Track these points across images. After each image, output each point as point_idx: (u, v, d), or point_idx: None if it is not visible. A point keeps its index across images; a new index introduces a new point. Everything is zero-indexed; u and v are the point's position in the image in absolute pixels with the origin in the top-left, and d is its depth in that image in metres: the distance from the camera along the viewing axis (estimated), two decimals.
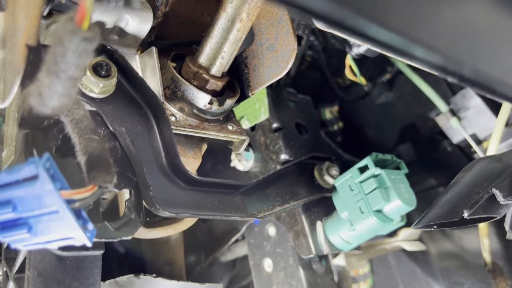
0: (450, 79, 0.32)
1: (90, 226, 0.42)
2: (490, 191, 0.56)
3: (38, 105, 0.37)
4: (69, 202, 0.40)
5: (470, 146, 0.90)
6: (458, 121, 0.91)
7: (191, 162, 0.67)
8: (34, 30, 0.41)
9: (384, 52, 0.35)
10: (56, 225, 0.41)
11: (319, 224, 0.78)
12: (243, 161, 0.87)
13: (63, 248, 0.54)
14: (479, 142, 0.92)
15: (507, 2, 0.29)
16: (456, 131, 0.91)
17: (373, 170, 0.70)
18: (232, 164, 0.88)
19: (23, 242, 0.42)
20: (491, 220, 0.60)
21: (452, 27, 0.28)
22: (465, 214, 0.55)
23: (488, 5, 0.29)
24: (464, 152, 0.97)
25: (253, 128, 0.88)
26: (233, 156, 0.87)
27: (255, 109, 0.87)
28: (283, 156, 0.82)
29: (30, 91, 0.37)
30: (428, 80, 0.92)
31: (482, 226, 0.79)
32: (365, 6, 0.24)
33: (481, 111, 0.89)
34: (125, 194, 0.67)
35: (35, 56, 0.42)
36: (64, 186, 0.40)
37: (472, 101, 0.91)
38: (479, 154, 0.89)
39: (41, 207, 0.39)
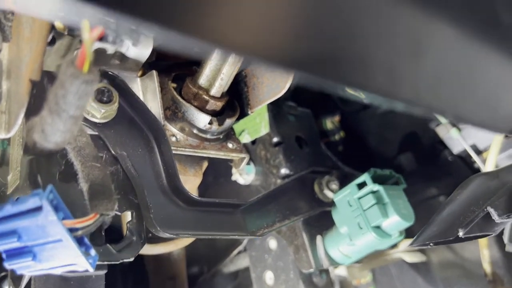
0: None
1: (93, 252, 0.44)
2: (485, 209, 0.57)
3: (41, 141, 0.39)
4: (72, 230, 0.41)
5: (470, 156, 0.91)
6: (458, 132, 0.91)
7: (192, 180, 0.68)
8: (37, 65, 0.42)
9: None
10: (60, 253, 0.42)
11: (319, 238, 0.79)
12: (244, 175, 0.88)
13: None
14: (479, 152, 0.92)
15: (479, 47, 0.30)
16: (456, 141, 0.92)
17: (371, 186, 0.71)
18: (233, 178, 0.89)
19: (28, 269, 0.44)
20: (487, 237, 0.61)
21: (430, 80, 0.29)
22: (460, 233, 0.56)
23: (466, 52, 0.30)
24: (464, 162, 0.97)
25: (253, 142, 0.90)
26: (234, 169, 0.89)
27: (256, 123, 0.88)
28: (284, 171, 0.83)
29: (33, 125, 0.39)
30: None
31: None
32: (342, 74, 0.25)
33: None
34: (127, 216, 0.68)
35: (38, 90, 0.43)
36: (67, 215, 0.41)
37: None
38: (479, 164, 0.90)
39: (45, 236, 0.41)
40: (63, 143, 0.39)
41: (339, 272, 1.00)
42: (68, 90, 0.33)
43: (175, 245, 0.76)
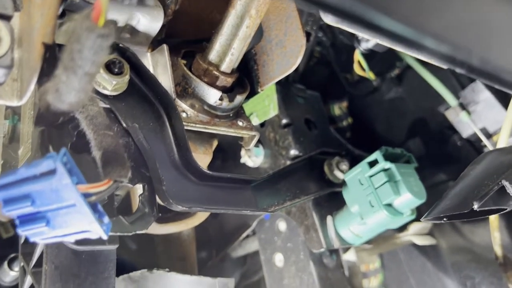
0: (458, 70, 0.33)
1: (106, 219, 0.43)
2: (500, 183, 0.56)
3: (55, 102, 0.38)
4: (85, 196, 0.41)
5: (480, 140, 0.90)
6: (468, 115, 0.91)
7: (202, 158, 0.68)
8: (50, 28, 0.42)
9: (393, 46, 0.36)
10: (73, 219, 0.42)
11: (329, 218, 0.78)
12: (253, 157, 0.87)
13: (78, 243, 0.55)
14: (489, 136, 0.91)
15: None
16: (466, 125, 0.91)
17: (383, 164, 0.70)
18: (242, 161, 0.89)
19: (41, 236, 0.44)
20: (501, 212, 0.60)
21: (460, 16, 0.28)
22: (475, 206, 0.55)
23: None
24: (474, 146, 0.96)
25: (262, 125, 0.89)
26: (243, 152, 0.88)
27: (265, 105, 0.88)
28: (293, 152, 0.83)
29: (47, 88, 0.39)
30: (437, 75, 0.92)
31: (493, 219, 0.79)
32: None
33: (490, 105, 0.89)
34: (138, 190, 0.68)
35: (51, 54, 0.43)
36: (81, 180, 0.41)
37: (481, 94, 0.90)
38: (489, 148, 0.89)
39: (59, 201, 0.41)
40: (77, 104, 0.39)
41: (348, 257, 1.00)
42: (83, 44, 0.33)
43: (185, 225, 0.76)
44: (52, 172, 0.39)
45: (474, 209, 0.55)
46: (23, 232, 0.43)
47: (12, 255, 0.81)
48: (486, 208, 0.56)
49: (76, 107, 0.41)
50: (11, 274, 0.82)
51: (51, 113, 0.40)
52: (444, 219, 0.59)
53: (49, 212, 0.41)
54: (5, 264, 0.81)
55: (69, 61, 0.34)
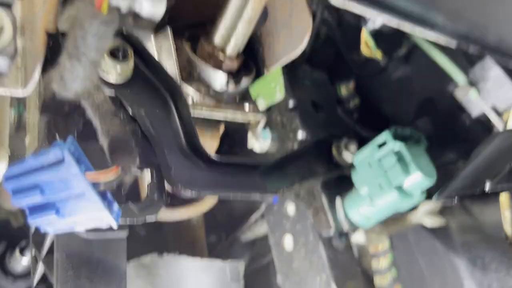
0: (471, 48, 0.32)
1: (115, 207, 0.43)
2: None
3: (60, 90, 0.38)
4: (94, 184, 0.41)
5: (490, 119, 0.89)
6: (477, 94, 0.89)
7: (209, 143, 0.67)
8: (52, 16, 0.41)
9: (403, 25, 0.35)
10: (83, 207, 0.42)
11: (338, 200, 0.78)
12: (260, 141, 0.87)
13: (89, 231, 0.55)
14: (499, 114, 0.90)
15: None
16: (475, 103, 0.90)
17: (392, 144, 0.69)
18: (249, 146, 0.88)
19: (51, 225, 0.44)
20: None
21: None
22: (487, 185, 0.55)
23: None
24: (483, 125, 0.95)
25: (269, 108, 0.88)
26: (249, 136, 0.87)
27: (271, 88, 0.87)
28: (301, 135, 0.82)
29: (52, 76, 0.38)
30: (445, 53, 0.90)
31: (503, 198, 0.78)
32: None
33: (500, 82, 0.87)
34: (145, 178, 0.68)
35: (55, 43, 0.42)
36: (89, 168, 0.41)
37: (491, 72, 0.89)
38: (499, 126, 0.88)
39: (68, 190, 0.40)
40: (82, 92, 0.38)
41: (357, 238, 1.00)
42: (87, 31, 0.32)
43: (194, 211, 0.76)
44: (60, 161, 0.39)
45: (486, 188, 0.55)
46: (34, 222, 0.43)
47: (24, 243, 0.82)
48: (498, 188, 0.56)
49: (82, 95, 0.41)
50: (23, 261, 0.83)
51: (57, 101, 0.40)
52: (456, 198, 0.59)
53: (59, 202, 0.41)
54: (17, 251, 0.82)
55: (73, 48, 0.34)
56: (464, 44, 0.31)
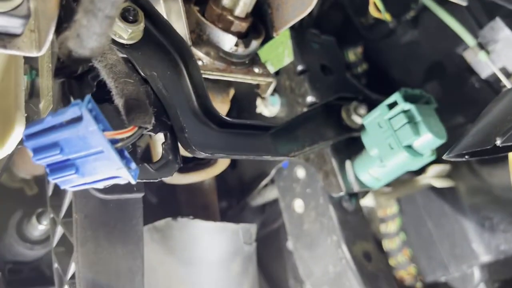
0: None
1: (133, 165, 0.44)
2: None
3: (77, 47, 0.38)
4: (112, 142, 0.42)
5: (499, 81, 0.88)
6: (487, 55, 0.88)
7: (220, 106, 0.68)
8: None
9: None
10: (102, 165, 0.43)
11: (348, 163, 0.79)
12: (269, 106, 0.87)
13: (106, 192, 0.57)
14: (508, 75, 0.90)
15: None
16: (485, 65, 0.89)
17: (402, 105, 0.70)
18: (257, 110, 0.88)
19: (71, 183, 0.45)
20: None
21: None
22: (498, 141, 0.55)
23: None
24: (492, 87, 0.95)
25: (277, 73, 0.88)
26: (258, 101, 0.88)
27: (279, 52, 0.86)
28: (310, 99, 0.82)
29: (67, 34, 0.38)
30: (454, 14, 0.89)
31: None
32: None
33: (510, 44, 0.87)
34: (158, 141, 0.69)
35: (67, 2, 0.42)
36: (107, 127, 0.41)
37: (501, 33, 0.88)
38: (509, 86, 0.88)
39: (87, 148, 0.41)
40: (98, 49, 0.39)
41: (366, 202, 1.01)
42: None
43: (206, 174, 0.77)
44: (78, 119, 0.39)
45: (497, 144, 0.55)
46: (54, 180, 0.44)
47: (40, 210, 0.84)
48: (509, 144, 0.56)
49: (98, 53, 0.41)
50: (40, 227, 0.85)
51: (72, 60, 0.40)
52: (466, 156, 0.59)
53: (78, 160, 0.42)
54: (34, 218, 0.84)
55: (89, 3, 0.34)
56: None
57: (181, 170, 0.76)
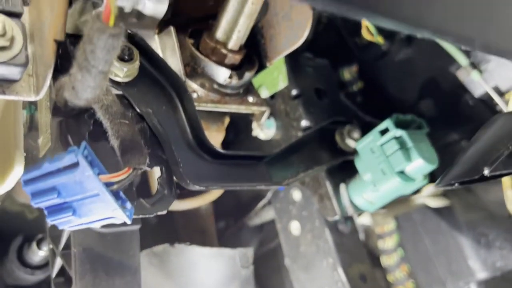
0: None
1: (129, 205, 0.45)
2: (510, 147, 0.57)
3: (72, 98, 0.40)
4: (107, 185, 0.43)
5: (492, 99, 0.90)
6: (479, 74, 0.90)
7: (215, 136, 0.69)
8: (60, 25, 0.42)
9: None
10: (98, 207, 0.44)
11: (342, 186, 0.80)
12: (265, 130, 0.88)
13: (103, 226, 0.58)
14: (501, 94, 0.91)
15: None
16: (478, 84, 0.90)
17: (394, 131, 0.71)
18: (253, 133, 0.90)
19: (69, 224, 0.46)
20: None
21: (458, 7, 0.28)
22: (486, 172, 0.56)
23: None
24: (486, 105, 0.96)
25: (272, 97, 0.90)
26: (254, 125, 0.89)
27: (274, 77, 0.88)
28: (304, 123, 0.84)
29: (63, 84, 0.40)
30: None
31: (506, 178, 0.80)
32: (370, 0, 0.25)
33: (502, 63, 0.88)
34: (155, 172, 0.70)
35: (64, 50, 0.44)
36: (102, 170, 0.43)
37: None
38: (502, 106, 0.89)
39: (83, 192, 0.43)
40: (93, 99, 0.40)
41: (363, 220, 1.02)
42: (96, 44, 0.34)
43: (203, 200, 0.78)
44: (75, 165, 0.41)
45: (485, 175, 0.56)
46: (52, 222, 0.46)
47: (40, 236, 0.85)
48: (497, 173, 0.57)
49: (93, 102, 0.43)
50: (40, 253, 0.86)
51: (69, 108, 0.42)
52: (456, 184, 0.60)
53: (75, 202, 0.44)
54: (34, 244, 0.85)
55: (83, 61, 0.36)
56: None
57: (178, 196, 0.77)
